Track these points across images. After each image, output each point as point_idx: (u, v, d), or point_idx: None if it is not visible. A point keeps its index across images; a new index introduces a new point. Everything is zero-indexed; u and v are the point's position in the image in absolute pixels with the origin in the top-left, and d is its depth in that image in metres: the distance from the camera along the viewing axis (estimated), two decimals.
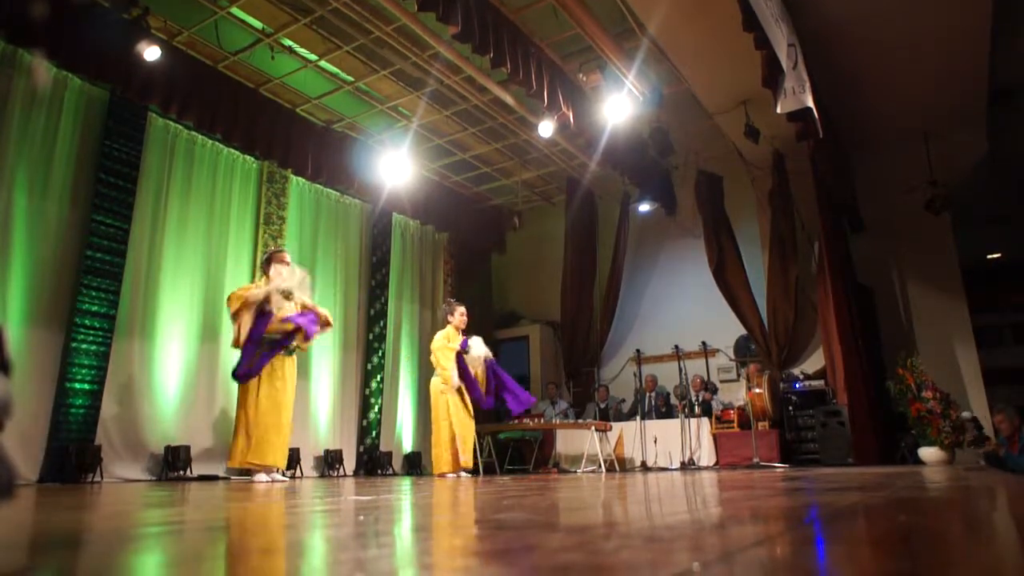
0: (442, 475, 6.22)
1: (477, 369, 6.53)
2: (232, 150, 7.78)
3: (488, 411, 8.48)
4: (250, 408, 5.07)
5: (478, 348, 6.43)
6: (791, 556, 0.98)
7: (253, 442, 5.01)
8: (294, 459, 7.31)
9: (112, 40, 5.90)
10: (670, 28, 6.36)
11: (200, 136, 7.45)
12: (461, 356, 6.46)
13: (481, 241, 10.78)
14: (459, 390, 6.38)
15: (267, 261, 5.50)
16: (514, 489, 3.25)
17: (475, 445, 6.63)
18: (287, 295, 5.19)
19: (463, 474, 6.24)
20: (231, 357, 7.43)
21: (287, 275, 5.31)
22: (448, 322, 6.55)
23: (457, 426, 6.23)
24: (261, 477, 5.09)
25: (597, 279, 10.10)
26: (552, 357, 10.58)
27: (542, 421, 8.60)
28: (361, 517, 1.78)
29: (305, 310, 5.46)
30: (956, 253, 8.66)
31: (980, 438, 6.58)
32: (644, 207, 9.61)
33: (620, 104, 6.96)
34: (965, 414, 7.07)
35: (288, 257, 5.54)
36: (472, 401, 6.52)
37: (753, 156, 8.59)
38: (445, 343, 6.47)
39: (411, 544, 1.24)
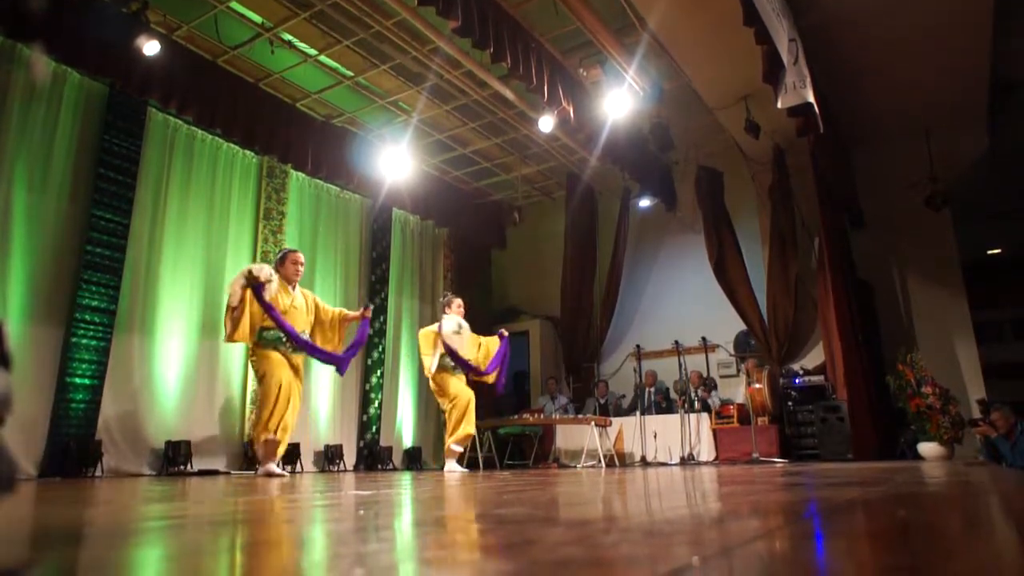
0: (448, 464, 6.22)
1: (474, 349, 6.47)
2: (232, 145, 7.77)
3: (488, 408, 8.48)
4: (281, 399, 4.90)
5: (446, 325, 6.35)
6: (790, 551, 0.99)
7: (277, 431, 4.94)
8: (294, 454, 7.33)
9: (111, 34, 5.89)
10: (670, 23, 6.34)
11: (200, 131, 7.45)
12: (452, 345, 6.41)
13: (481, 236, 10.78)
14: (453, 370, 6.34)
15: (281, 260, 5.33)
16: (514, 484, 3.26)
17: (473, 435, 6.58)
18: (257, 280, 4.99)
19: (457, 468, 6.19)
20: (231, 352, 7.46)
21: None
22: (446, 314, 6.55)
23: (457, 400, 6.22)
24: (271, 467, 5.01)
25: (597, 274, 10.11)
26: (552, 352, 10.59)
27: (542, 416, 8.61)
28: (361, 512, 1.78)
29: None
30: (956, 249, 8.66)
31: (975, 421, 6.57)
32: (644, 202, 9.60)
33: (620, 99, 6.95)
34: (976, 398, 7.32)
35: (301, 257, 5.37)
36: (473, 379, 6.53)
37: (753, 151, 8.58)
38: (430, 330, 6.46)
39: (411, 538, 1.24)
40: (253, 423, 5.10)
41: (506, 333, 6.80)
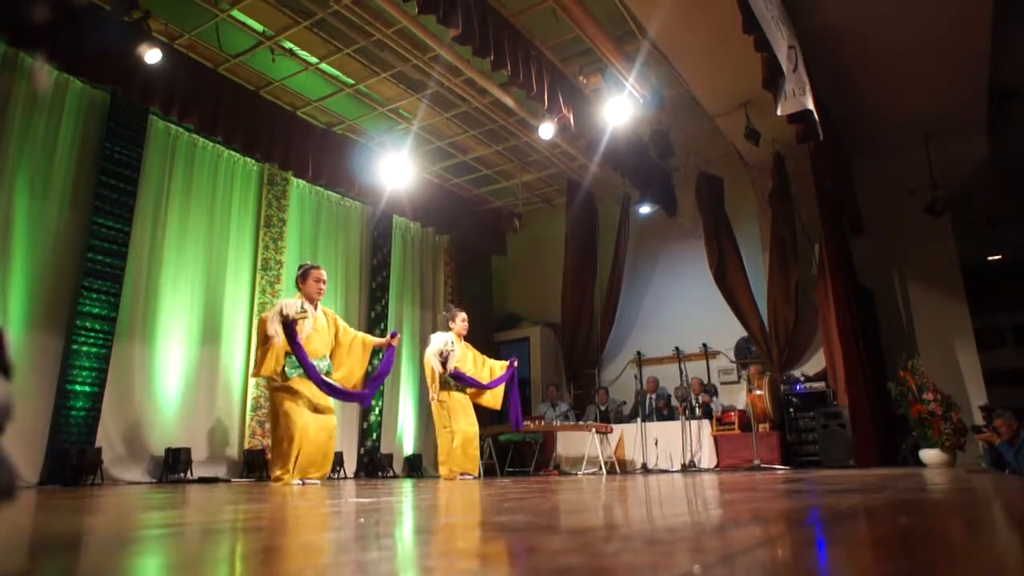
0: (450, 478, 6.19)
1: (473, 364, 6.42)
2: (233, 152, 7.79)
3: (489, 415, 8.46)
4: (296, 431, 4.71)
5: (432, 346, 6.20)
6: (792, 558, 0.98)
7: (298, 464, 4.72)
8: None
9: (113, 43, 5.91)
10: (670, 30, 6.37)
11: (201, 139, 7.47)
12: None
13: (482, 243, 10.78)
14: (458, 393, 6.29)
15: (303, 276, 5.06)
16: (515, 491, 3.25)
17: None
18: (293, 319, 4.80)
19: (461, 476, 6.17)
20: (231, 360, 7.46)
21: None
22: (449, 328, 6.46)
23: (456, 432, 6.15)
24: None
25: (598, 281, 10.11)
26: (552, 359, 10.58)
27: (543, 423, 8.59)
28: (362, 519, 1.78)
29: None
30: (956, 255, 8.67)
31: (979, 427, 6.54)
32: (644, 209, 9.62)
33: (620, 106, 6.97)
34: (979, 404, 7.38)
35: (324, 274, 5.14)
36: (475, 392, 6.42)
37: (753, 158, 8.60)
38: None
39: (412, 546, 1.24)
40: (272, 447, 4.93)
41: (516, 363, 6.64)
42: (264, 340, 4.75)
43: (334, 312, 5.39)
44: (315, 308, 5.04)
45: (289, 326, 4.76)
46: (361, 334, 5.45)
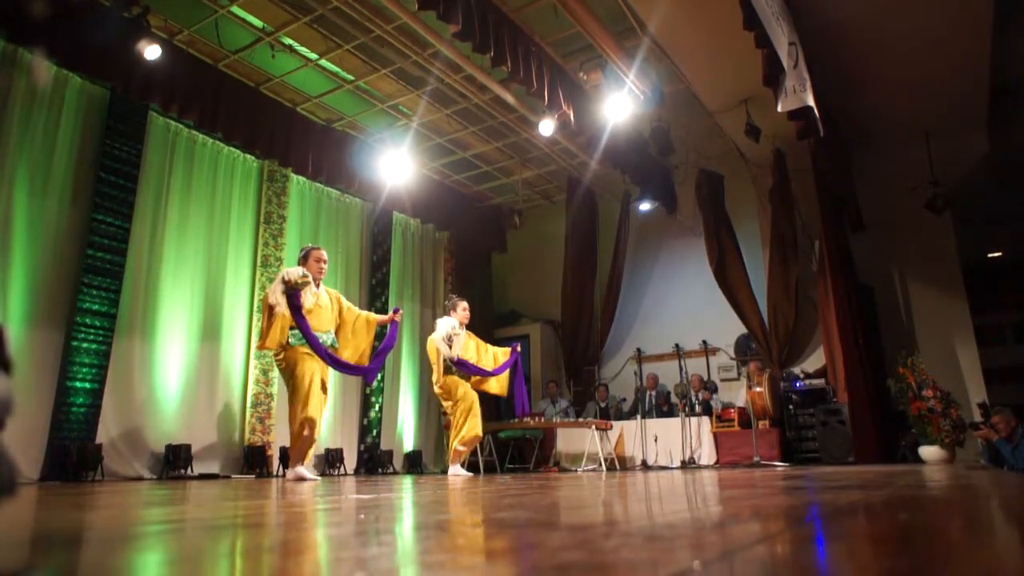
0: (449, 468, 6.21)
1: (476, 352, 6.45)
2: (232, 149, 7.78)
3: (488, 411, 8.47)
4: (307, 378, 4.83)
5: (439, 331, 6.31)
6: (792, 554, 0.98)
7: (308, 442, 4.84)
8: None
9: (112, 39, 5.90)
10: (671, 27, 6.36)
11: (201, 135, 7.46)
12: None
13: (482, 240, 10.78)
14: (464, 378, 6.32)
15: (304, 257, 5.20)
16: (515, 488, 3.25)
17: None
18: (296, 284, 4.97)
19: (460, 472, 6.17)
20: (232, 355, 7.46)
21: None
22: (451, 316, 6.51)
23: (461, 400, 6.19)
24: (301, 471, 4.97)
25: (598, 278, 10.11)
26: (552, 356, 10.58)
27: (543, 420, 8.60)
28: (362, 516, 1.78)
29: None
30: (957, 252, 8.66)
31: (977, 424, 6.56)
32: (645, 206, 9.61)
33: (621, 103, 6.96)
34: (978, 401, 7.33)
35: (324, 255, 5.28)
36: (480, 380, 6.45)
37: (754, 155, 8.59)
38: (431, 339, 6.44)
39: (412, 542, 1.24)
40: (290, 425, 4.98)
41: (519, 349, 6.71)
42: (269, 311, 4.84)
43: (337, 291, 5.49)
44: (317, 286, 5.17)
45: (292, 296, 4.84)
46: (364, 312, 5.59)
